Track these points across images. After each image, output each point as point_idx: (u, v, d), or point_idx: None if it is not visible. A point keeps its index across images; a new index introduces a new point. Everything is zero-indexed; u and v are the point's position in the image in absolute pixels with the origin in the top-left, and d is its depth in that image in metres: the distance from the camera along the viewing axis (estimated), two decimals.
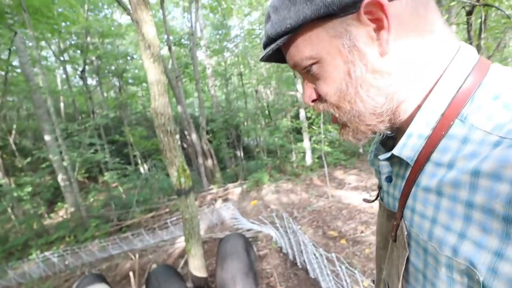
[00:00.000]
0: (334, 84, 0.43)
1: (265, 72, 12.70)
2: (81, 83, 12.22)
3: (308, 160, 9.22)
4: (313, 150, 9.22)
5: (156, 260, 4.97)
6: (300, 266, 3.30)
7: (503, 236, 0.28)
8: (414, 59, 0.39)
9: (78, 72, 10.88)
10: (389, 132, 0.52)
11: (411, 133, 0.40)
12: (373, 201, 0.64)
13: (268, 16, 0.45)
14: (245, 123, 13.05)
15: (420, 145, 0.40)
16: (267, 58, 0.49)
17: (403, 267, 0.44)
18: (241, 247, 2.59)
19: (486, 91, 0.35)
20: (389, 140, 0.55)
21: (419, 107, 0.41)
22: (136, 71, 14.78)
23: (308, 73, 0.46)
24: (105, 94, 14.78)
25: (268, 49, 0.45)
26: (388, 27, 0.37)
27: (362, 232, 3.94)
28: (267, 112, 13.65)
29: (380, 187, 0.58)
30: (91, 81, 13.94)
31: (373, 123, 0.44)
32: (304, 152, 9.53)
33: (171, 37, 9.50)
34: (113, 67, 12.11)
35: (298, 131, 10.97)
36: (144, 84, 14.08)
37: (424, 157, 0.39)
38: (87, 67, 11.35)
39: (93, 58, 11.08)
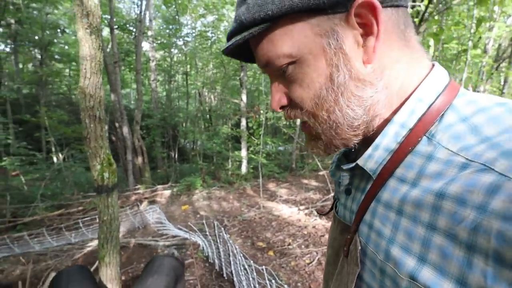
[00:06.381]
0: (313, 89, 0.39)
1: (212, 76, 12.52)
2: None
3: (244, 169, 9.27)
4: (249, 160, 9.32)
5: (57, 267, 4.24)
6: (226, 278, 3.18)
7: (464, 264, 0.27)
8: (393, 71, 0.38)
9: None
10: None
11: (378, 145, 0.39)
12: (327, 213, 0.61)
13: None
14: (184, 124, 12.54)
15: (385, 159, 0.38)
16: (229, 52, 0.42)
17: (353, 285, 0.42)
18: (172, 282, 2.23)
19: (455, 112, 0.34)
20: (352, 152, 0.53)
21: (387, 120, 0.39)
22: (66, 47, 12.96)
23: (280, 75, 0.41)
24: (21, 66, 12.52)
25: (238, 38, 0.38)
26: (378, 34, 0.35)
27: (289, 244, 4.04)
28: (208, 116, 13.39)
29: (335, 199, 0.56)
30: (3, 47, 11.69)
31: (348, 136, 0.41)
32: (240, 161, 9.55)
33: (114, 19, 8.62)
34: (36, 37, 10.36)
35: (237, 140, 10.99)
36: (74, 63, 12.42)
37: (387, 171, 0.37)
38: (0, 29, 9.47)
39: (12, 21, 9.31)
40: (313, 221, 4.86)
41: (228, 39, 0.41)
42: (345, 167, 0.44)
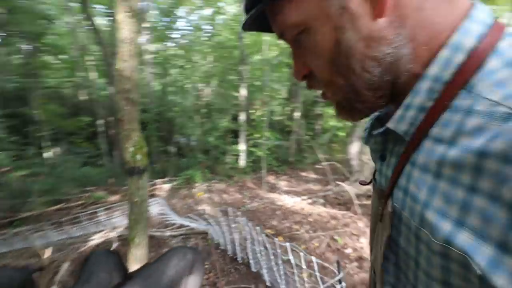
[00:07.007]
0: (324, 56, 0.37)
1: (209, 70, 12.50)
2: None
3: (242, 163, 9.34)
4: (248, 154, 9.41)
5: (63, 260, 4.22)
6: (240, 261, 3.28)
7: (507, 226, 0.24)
8: (416, 20, 0.33)
9: None
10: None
11: (409, 104, 0.35)
12: (369, 183, 0.60)
13: None
14: (180, 119, 12.48)
15: (418, 118, 0.35)
16: (249, 26, 0.42)
17: (383, 248, 0.41)
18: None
19: (499, 57, 0.30)
20: (385, 115, 0.49)
21: (417, 76, 0.35)
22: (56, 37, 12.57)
23: (297, 45, 0.40)
24: (10, 57, 12.10)
25: (252, 13, 0.38)
26: None
27: (297, 230, 4.17)
28: (205, 110, 13.36)
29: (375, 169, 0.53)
30: None
31: (370, 100, 0.38)
32: (238, 155, 9.63)
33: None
34: (27, 28, 10.03)
35: (236, 134, 11.05)
36: (65, 56, 12.12)
37: (422, 132, 0.34)
38: None
39: (2, 10, 9.00)
40: (317, 209, 5.00)
41: (246, 12, 0.41)
42: (375, 132, 0.41)
